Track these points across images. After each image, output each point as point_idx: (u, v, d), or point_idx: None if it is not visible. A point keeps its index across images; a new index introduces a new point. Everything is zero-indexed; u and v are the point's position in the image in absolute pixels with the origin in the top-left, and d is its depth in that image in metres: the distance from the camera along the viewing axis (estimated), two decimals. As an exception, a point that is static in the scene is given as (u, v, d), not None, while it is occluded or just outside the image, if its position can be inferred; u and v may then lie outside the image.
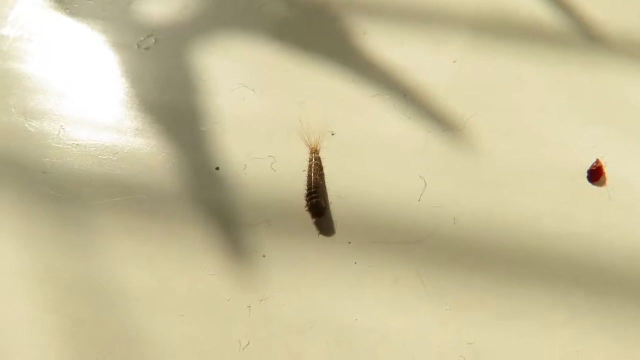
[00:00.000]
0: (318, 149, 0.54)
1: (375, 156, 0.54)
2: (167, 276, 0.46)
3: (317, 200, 0.49)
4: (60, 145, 0.54)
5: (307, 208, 0.49)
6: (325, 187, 0.51)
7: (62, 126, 0.56)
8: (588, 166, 0.53)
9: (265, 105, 0.58)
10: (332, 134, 0.56)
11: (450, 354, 0.43)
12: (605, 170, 0.53)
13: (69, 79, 0.60)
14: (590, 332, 0.44)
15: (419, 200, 0.51)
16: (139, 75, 0.61)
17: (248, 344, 0.43)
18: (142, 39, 0.64)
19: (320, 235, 0.48)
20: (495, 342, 0.43)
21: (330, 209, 0.50)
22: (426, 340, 0.43)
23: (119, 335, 0.43)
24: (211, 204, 0.51)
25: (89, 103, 0.58)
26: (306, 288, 0.46)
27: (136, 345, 0.43)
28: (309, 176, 0.51)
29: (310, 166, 0.52)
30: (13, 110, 0.57)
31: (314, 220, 0.49)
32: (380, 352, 0.43)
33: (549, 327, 0.44)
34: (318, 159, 0.53)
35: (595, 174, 0.52)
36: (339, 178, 0.52)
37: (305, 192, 0.50)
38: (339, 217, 0.50)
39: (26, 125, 0.56)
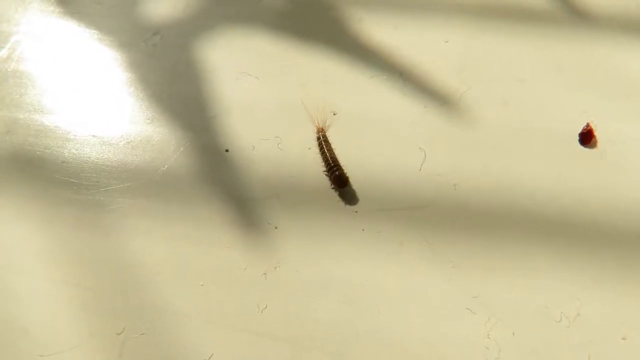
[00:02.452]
0: (325, 127, 0.56)
1: (376, 132, 0.57)
2: (185, 252, 0.49)
3: (339, 172, 0.51)
4: (78, 137, 0.57)
5: (331, 182, 0.52)
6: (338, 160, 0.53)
7: (78, 120, 0.59)
8: (579, 130, 0.55)
9: (269, 91, 0.61)
10: (334, 114, 0.58)
11: (457, 307, 0.45)
12: (596, 133, 0.55)
13: (81, 77, 0.64)
14: (588, 281, 0.46)
15: (419, 170, 0.54)
16: (147, 70, 0.64)
17: (266, 307, 0.45)
18: (148, 36, 0.67)
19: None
20: (498, 294, 0.46)
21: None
22: (434, 295, 0.46)
23: (143, 305, 0.45)
24: (223, 183, 0.53)
25: (102, 98, 0.61)
26: (317, 254, 0.48)
27: (159, 313, 0.45)
28: (323, 152, 0.53)
29: (320, 144, 0.54)
30: (30, 108, 0.60)
31: (337, 192, 0.51)
32: (390, 308, 0.45)
33: (549, 279, 0.47)
34: (326, 136, 0.55)
35: (586, 137, 0.55)
36: (343, 154, 0.55)
37: (325, 168, 0.52)
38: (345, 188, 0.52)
39: (43, 120, 0.59)
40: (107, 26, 0.68)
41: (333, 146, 0.55)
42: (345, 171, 0.52)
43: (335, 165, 0.52)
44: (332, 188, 0.52)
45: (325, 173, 0.52)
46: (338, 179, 0.51)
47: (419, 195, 0.52)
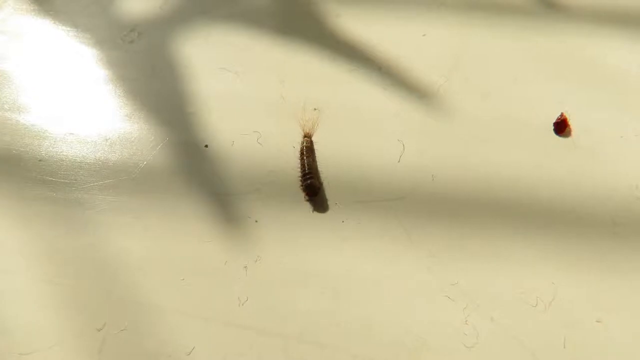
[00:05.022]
0: (311, 133, 0.56)
1: (356, 125, 0.57)
2: (166, 247, 0.49)
3: (311, 181, 0.51)
4: (55, 135, 0.57)
5: (302, 188, 0.51)
6: (317, 168, 0.53)
7: (55, 118, 0.58)
8: (554, 120, 0.57)
9: (248, 86, 0.61)
10: (314, 109, 0.59)
11: (437, 294, 0.46)
12: (570, 122, 0.57)
13: (58, 75, 0.63)
14: (563, 267, 0.47)
15: (398, 161, 0.54)
16: (125, 67, 0.63)
17: (247, 299, 0.45)
18: (125, 33, 0.66)
19: (310, 203, 0.51)
20: (476, 282, 0.46)
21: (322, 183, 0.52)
22: (413, 283, 0.46)
23: (123, 301, 0.45)
24: (203, 178, 0.53)
25: (79, 95, 0.61)
26: (298, 246, 0.49)
27: (140, 308, 0.45)
28: (302, 159, 0.53)
29: (302, 149, 0.54)
30: (6, 106, 0.59)
31: (306, 199, 0.51)
32: (370, 297, 0.46)
33: (526, 265, 0.47)
34: (310, 142, 0.55)
35: (561, 126, 0.56)
36: (323, 146, 0.55)
37: (300, 174, 0.52)
38: (325, 182, 0.53)
39: (19, 119, 0.58)
40: (83, 23, 0.68)
41: (317, 146, 0.55)
42: (319, 181, 0.52)
43: (309, 174, 0.51)
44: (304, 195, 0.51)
45: (300, 179, 0.52)
46: (308, 187, 0.51)
47: (398, 187, 0.53)
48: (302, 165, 0.53)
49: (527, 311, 0.45)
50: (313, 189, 0.51)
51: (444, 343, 0.43)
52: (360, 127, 0.57)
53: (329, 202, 0.51)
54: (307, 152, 0.54)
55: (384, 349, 0.43)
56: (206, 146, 0.56)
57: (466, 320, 0.44)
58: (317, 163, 0.54)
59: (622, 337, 0.43)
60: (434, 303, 0.45)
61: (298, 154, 0.54)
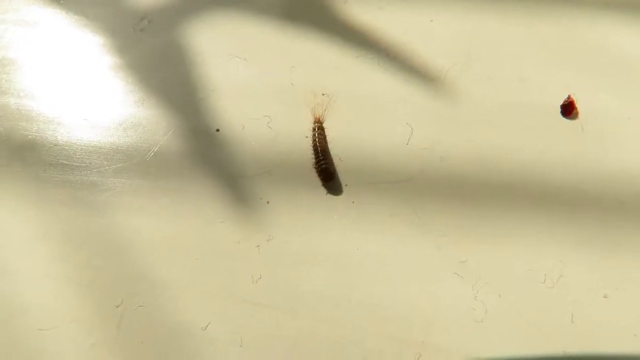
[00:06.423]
0: (322, 119, 0.57)
1: (365, 109, 0.58)
2: (180, 227, 0.50)
3: (326, 166, 0.52)
4: (69, 121, 0.58)
5: (317, 173, 0.52)
6: (330, 153, 0.54)
7: (69, 104, 0.59)
8: (561, 103, 0.57)
9: (258, 72, 0.62)
10: (323, 94, 0.60)
11: (445, 272, 0.47)
12: (577, 105, 0.57)
13: (70, 63, 0.64)
14: (570, 245, 0.48)
15: (407, 144, 0.55)
16: (136, 54, 0.64)
17: (260, 277, 0.46)
18: (136, 22, 0.67)
19: (318, 180, 0.52)
20: (485, 259, 0.47)
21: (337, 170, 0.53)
22: (423, 261, 0.47)
23: (140, 279, 0.46)
24: (215, 161, 0.54)
25: (92, 83, 0.62)
26: (309, 226, 0.50)
27: (156, 286, 0.46)
28: (315, 144, 0.54)
29: (314, 135, 0.55)
30: (21, 94, 0.60)
31: (322, 184, 0.52)
32: (380, 275, 0.47)
33: (533, 244, 0.48)
34: (321, 128, 0.56)
35: (568, 109, 0.57)
36: (333, 130, 0.56)
37: (314, 159, 0.53)
38: (335, 164, 0.53)
39: (34, 105, 0.59)
40: (94, 12, 0.69)
41: (327, 131, 0.55)
42: (333, 166, 0.53)
43: (323, 159, 0.52)
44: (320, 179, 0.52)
45: (314, 165, 0.53)
46: (323, 172, 0.52)
47: (407, 168, 0.53)
48: (316, 150, 0.53)
49: (535, 288, 0.46)
50: (329, 174, 0.52)
51: (454, 318, 0.44)
52: (368, 111, 0.58)
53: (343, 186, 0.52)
54: (320, 137, 0.55)
55: (394, 324, 0.44)
56: (217, 130, 0.57)
57: (475, 297, 0.45)
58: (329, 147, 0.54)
59: (628, 311, 0.44)
60: (443, 280, 0.46)
61: (310, 139, 0.55)
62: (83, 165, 0.54)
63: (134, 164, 0.54)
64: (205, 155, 0.55)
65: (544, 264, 0.47)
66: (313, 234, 0.49)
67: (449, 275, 0.46)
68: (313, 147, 0.54)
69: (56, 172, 0.54)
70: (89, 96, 0.61)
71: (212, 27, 0.66)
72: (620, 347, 0.43)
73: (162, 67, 0.63)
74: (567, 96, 0.57)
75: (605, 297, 0.45)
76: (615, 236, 0.48)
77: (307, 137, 0.55)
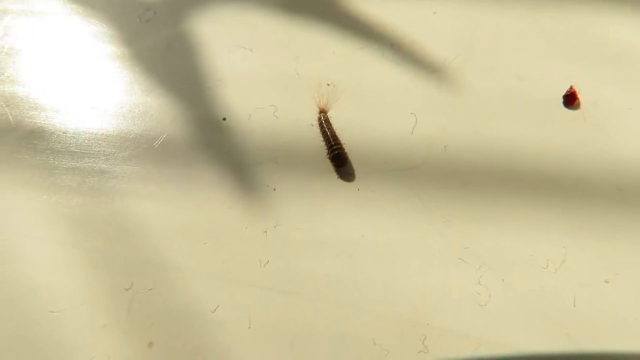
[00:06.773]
0: (327, 109, 0.58)
1: (369, 99, 0.59)
2: (188, 213, 0.51)
3: (339, 152, 0.53)
4: (77, 109, 0.58)
5: (329, 158, 0.53)
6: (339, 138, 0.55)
7: (77, 93, 0.60)
8: (563, 93, 0.58)
9: (263, 62, 0.63)
10: (328, 84, 0.60)
11: (449, 257, 0.47)
12: (579, 95, 0.58)
13: (78, 53, 0.65)
14: (573, 231, 0.49)
15: (411, 133, 0.56)
16: (142, 45, 0.65)
17: (268, 262, 0.47)
18: (141, 12, 0.68)
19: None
20: (488, 245, 0.48)
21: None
22: (428, 247, 0.48)
23: (150, 263, 0.47)
24: (222, 149, 0.55)
25: (99, 72, 0.63)
26: (315, 213, 0.50)
27: (166, 270, 0.47)
28: (324, 132, 0.55)
29: (321, 123, 0.56)
30: (30, 83, 0.61)
31: (335, 170, 0.53)
32: (385, 260, 0.47)
33: (536, 230, 0.49)
34: (327, 116, 0.56)
35: (570, 99, 0.57)
36: (338, 120, 0.56)
37: (325, 145, 0.54)
38: (340, 152, 0.54)
39: (42, 94, 0.60)
40: (101, 3, 0.69)
41: (332, 121, 0.56)
42: (345, 150, 0.53)
43: (335, 144, 0.53)
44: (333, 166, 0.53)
45: (326, 151, 0.54)
46: (336, 157, 0.53)
47: (411, 157, 0.54)
48: (326, 136, 0.54)
49: (538, 273, 0.46)
50: (342, 158, 0.53)
51: (458, 302, 0.45)
52: (373, 101, 0.59)
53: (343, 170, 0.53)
54: (327, 124, 0.55)
55: (400, 308, 0.45)
56: (224, 119, 0.57)
57: (479, 281, 0.46)
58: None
59: (630, 295, 0.45)
60: (447, 265, 0.47)
61: (318, 128, 0.56)
62: (92, 152, 0.55)
63: (142, 151, 0.55)
64: (213, 144, 0.56)
65: (547, 250, 0.48)
66: (319, 221, 0.50)
67: (454, 261, 0.47)
68: (322, 134, 0.55)
69: (65, 159, 0.54)
70: (97, 85, 0.61)
71: (217, 18, 0.67)
72: (621, 331, 0.44)
73: (169, 58, 0.64)
74: (569, 87, 0.58)
75: (606, 282, 0.46)
76: (616, 222, 0.49)
77: (312, 125, 0.56)
